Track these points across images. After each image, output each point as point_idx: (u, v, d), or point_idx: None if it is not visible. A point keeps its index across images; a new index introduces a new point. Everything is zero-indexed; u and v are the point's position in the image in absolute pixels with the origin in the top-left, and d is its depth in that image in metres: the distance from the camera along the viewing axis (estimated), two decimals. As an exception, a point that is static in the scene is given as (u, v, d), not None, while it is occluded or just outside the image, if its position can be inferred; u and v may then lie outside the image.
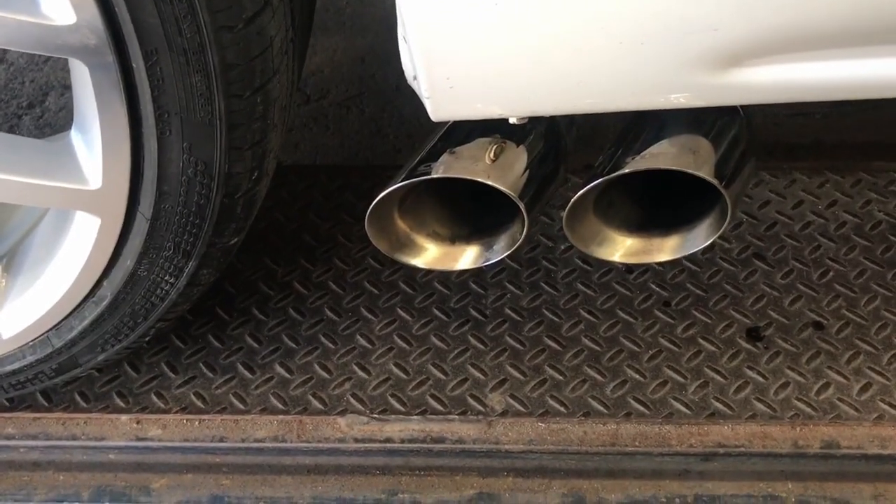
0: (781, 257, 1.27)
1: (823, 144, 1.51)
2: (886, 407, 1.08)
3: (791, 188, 1.36)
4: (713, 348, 1.16)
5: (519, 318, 1.20)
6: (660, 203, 1.06)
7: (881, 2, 0.78)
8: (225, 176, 0.82)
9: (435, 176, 0.93)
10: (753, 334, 1.17)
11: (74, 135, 0.83)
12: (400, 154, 1.64)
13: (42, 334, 0.96)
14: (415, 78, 0.86)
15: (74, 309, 0.93)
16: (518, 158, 0.99)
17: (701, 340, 1.17)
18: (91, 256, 0.87)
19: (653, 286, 1.24)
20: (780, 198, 1.35)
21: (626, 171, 0.92)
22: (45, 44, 0.71)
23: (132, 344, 1.02)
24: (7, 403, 1.12)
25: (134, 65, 0.73)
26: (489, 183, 0.92)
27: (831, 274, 1.24)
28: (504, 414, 1.10)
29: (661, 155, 0.94)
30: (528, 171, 0.99)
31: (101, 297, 0.92)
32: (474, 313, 1.21)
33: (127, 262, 0.88)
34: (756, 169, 1.18)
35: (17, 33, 0.70)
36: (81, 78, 0.76)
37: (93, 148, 0.79)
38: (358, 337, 1.19)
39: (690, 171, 0.91)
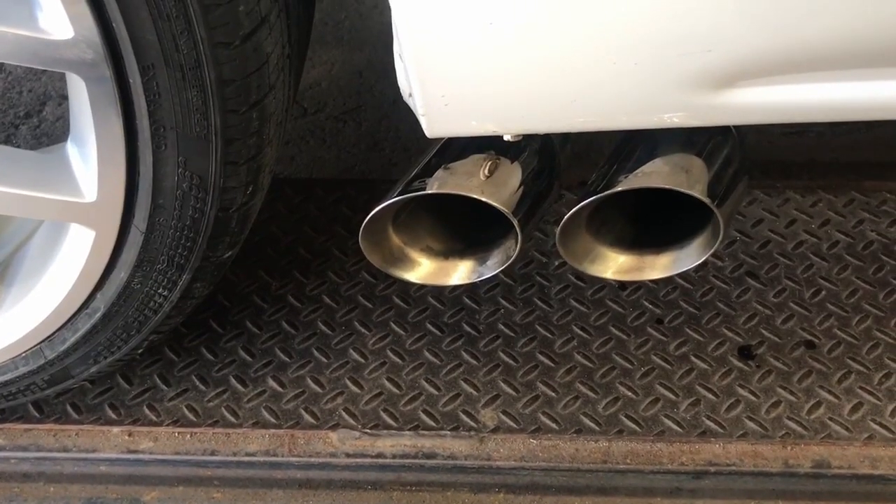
0: (774, 276, 1.27)
1: (817, 163, 1.51)
2: (877, 427, 1.09)
3: (784, 207, 1.37)
4: (705, 366, 1.16)
5: (512, 334, 1.21)
6: (653, 221, 1.06)
7: (873, 26, 0.79)
8: (220, 190, 0.83)
9: (429, 192, 0.93)
10: (745, 353, 1.18)
11: (70, 147, 0.83)
12: (396, 168, 1.64)
13: (35, 346, 0.96)
14: (410, 95, 0.87)
15: (67, 321, 0.93)
16: (512, 175, 0.99)
17: (693, 358, 1.17)
18: (85, 268, 0.87)
19: (646, 303, 1.24)
20: (773, 216, 1.36)
21: (619, 189, 0.93)
22: (43, 58, 0.72)
23: (125, 356, 1.02)
24: (-3, 414, 1.12)
25: (130, 79, 0.73)
26: (483, 199, 0.93)
27: (823, 293, 1.25)
28: (496, 430, 1.10)
29: (654, 173, 0.95)
30: (522, 188, 0.99)
31: (95, 309, 0.92)
32: (468, 328, 1.22)
33: (121, 274, 0.89)
34: (749, 187, 1.19)
35: (15, 47, 0.71)
36: (78, 91, 0.77)
37: (88, 161, 0.80)
38: (351, 351, 1.19)
39: (683, 190, 0.92)
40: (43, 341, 0.95)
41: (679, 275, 1.19)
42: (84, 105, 0.76)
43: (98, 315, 0.92)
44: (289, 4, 0.82)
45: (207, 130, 0.77)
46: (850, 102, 0.87)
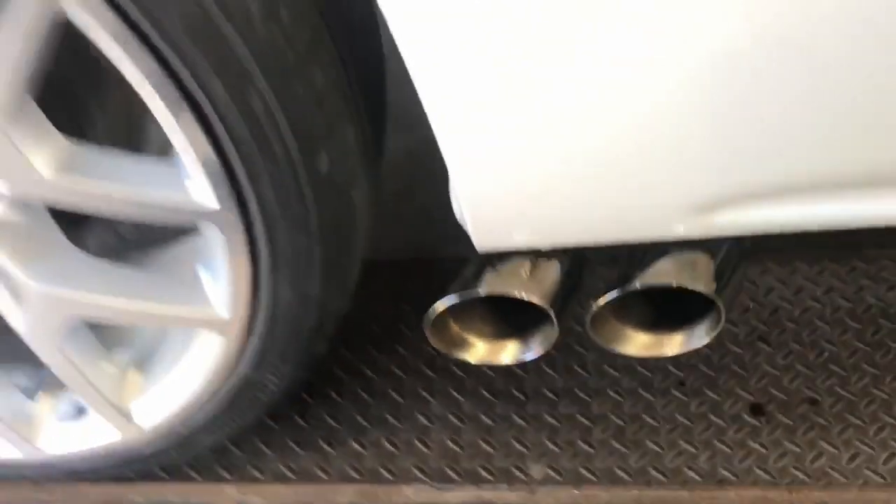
0: (782, 340, 1.46)
1: (824, 234, 1.69)
2: (871, 474, 1.26)
3: (793, 276, 1.56)
4: (721, 423, 1.35)
5: (555, 398, 1.41)
6: (669, 303, 1.27)
7: (850, 159, 1.00)
8: (320, 302, 1.06)
9: (481, 294, 1.16)
10: (756, 410, 1.37)
11: (202, 271, 1.07)
12: (452, 242, 1.85)
13: (172, 425, 1.20)
14: (462, 217, 1.10)
15: (199, 406, 1.17)
16: (549, 272, 1.21)
17: (711, 416, 1.36)
18: (215, 366, 1.11)
19: (670, 367, 1.44)
20: (782, 285, 1.55)
21: (636, 287, 1.14)
22: (189, 216, 0.96)
23: (239, 429, 1.25)
24: (132, 476, 1.36)
25: (256, 228, 0.97)
26: (524, 298, 1.15)
27: (826, 354, 1.43)
28: (544, 482, 1.30)
29: (664, 271, 1.15)
30: (558, 283, 1.21)
31: (220, 395, 1.16)
32: (517, 394, 1.43)
33: (241, 368, 1.12)
34: (747, 270, 1.38)
35: (172, 214, 0.95)
36: (212, 233, 1.01)
37: (220, 285, 1.03)
38: (419, 415, 1.42)
39: (689, 286, 1.13)
40: (179, 422, 1.19)
41: (697, 343, 1.39)
42: (217, 245, 1.00)
43: (222, 400, 1.16)
44: (369, 156, 1.05)
45: (311, 262, 1.01)
46: (846, 217, 1.07)
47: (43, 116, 0.91)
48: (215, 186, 0.93)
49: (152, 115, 0.88)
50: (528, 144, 0.98)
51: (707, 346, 1.47)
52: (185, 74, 0.81)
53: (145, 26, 0.77)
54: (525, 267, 1.19)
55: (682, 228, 1.08)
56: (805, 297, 1.53)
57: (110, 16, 0.77)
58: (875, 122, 0.96)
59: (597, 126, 0.95)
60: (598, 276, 1.47)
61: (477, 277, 1.20)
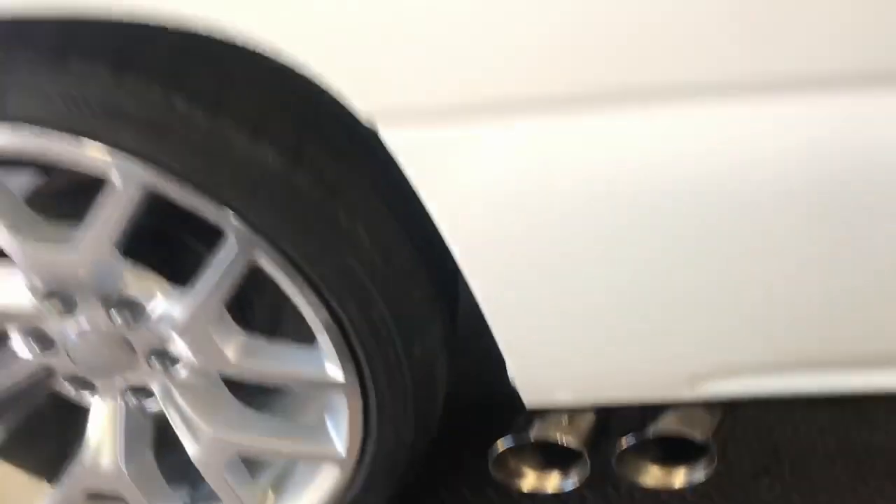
0: (780, 471, 1.79)
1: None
2: (847, 585, 1.57)
3: (791, 416, 1.89)
4: (727, 540, 1.68)
5: (592, 516, 1.76)
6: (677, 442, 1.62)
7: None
8: (411, 445, 1.46)
9: (531, 439, 1.54)
10: (757, 530, 1.69)
11: (328, 419, 1.48)
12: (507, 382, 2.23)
13: (299, 533, 1.59)
14: (514, 381, 1.49)
15: (320, 520, 1.56)
16: (585, 420, 1.58)
17: (719, 534, 1.69)
18: (332, 490, 1.51)
19: (686, 495, 1.77)
20: (782, 425, 1.88)
21: (650, 435, 1.50)
22: (324, 387, 1.38)
23: (344, 534, 1.64)
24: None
25: (369, 394, 1.38)
26: (564, 443, 1.52)
27: (817, 483, 1.75)
28: (585, 585, 1.64)
29: (670, 420, 1.52)
30: (591, 428, 1.58)
31: (336, 512, 1.55)
32: (561, 511, 1.78)
33: (352, 492, 1.51)
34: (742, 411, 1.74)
35: (310, 384, 1.37)
36: (337, 395, 1.42)
37: (340, 432, 1.44)
38: (484, 529, 1.78)
39: (688, 435, 1.49)
40: (304, 530, 1.58)
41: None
42: (339, 404, 1.41)
43: (337, 515, 1.55)
44: (448, 339, 1.46)
45: (407, 417, 1.41)
46: (818, 387, 1.43)
47: (230, 319, 1.35)
48: (344, 367, 1.35)
49: (294, 310, 1.31)
50: (563, 336, 1.38)
51: (718, 475, 1.81)
52: (334, 301, 1.24)
53: (312, 275, 1.21)
54: (565, 416, 1.58)
55: (685, 393, 1.45)
56: (801, 435, 1.86)
57: (289, 266, 1.22)
58: (842, 317, 1.33)
59: (615, 328, 1.34)
60: (626, 414, 1.84)
61: (528, 423, 1.58)
